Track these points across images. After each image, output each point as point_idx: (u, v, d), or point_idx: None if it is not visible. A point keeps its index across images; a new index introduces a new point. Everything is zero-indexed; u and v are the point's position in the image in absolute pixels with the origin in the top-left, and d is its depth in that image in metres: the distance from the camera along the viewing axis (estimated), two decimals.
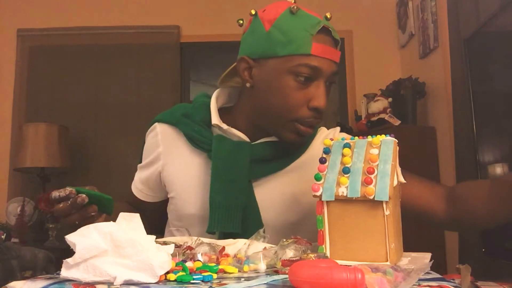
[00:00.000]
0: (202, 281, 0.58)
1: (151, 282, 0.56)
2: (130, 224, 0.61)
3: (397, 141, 0.72)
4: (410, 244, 0.82)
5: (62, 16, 3.50)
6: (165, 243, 0.73)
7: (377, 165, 0.67)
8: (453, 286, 0.54)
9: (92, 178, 3.27)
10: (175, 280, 0.58)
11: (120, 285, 0.55)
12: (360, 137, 0.74)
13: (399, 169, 0.75)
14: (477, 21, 2.02)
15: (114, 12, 3.52)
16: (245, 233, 0.87)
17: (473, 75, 1.87)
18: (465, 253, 2.13)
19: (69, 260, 0.56)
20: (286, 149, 0.99)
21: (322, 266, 0.51)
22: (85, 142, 3.38)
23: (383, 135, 0.72)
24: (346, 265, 0.51)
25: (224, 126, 0.97)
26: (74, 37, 3.47)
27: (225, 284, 0.55)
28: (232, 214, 0.92)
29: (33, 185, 3.20)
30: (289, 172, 1.00)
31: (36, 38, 3.48)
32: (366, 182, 0.65)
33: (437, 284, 0.55)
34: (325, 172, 0.70)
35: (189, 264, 0.64)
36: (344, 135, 1.04)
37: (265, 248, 0.71)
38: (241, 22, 0.99)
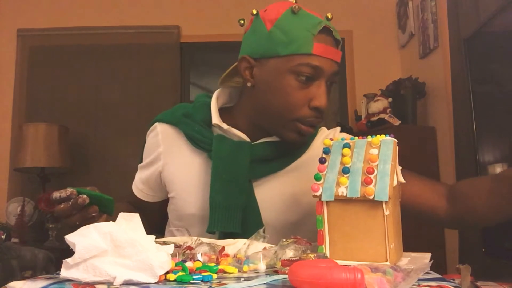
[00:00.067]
0: (202, 281, 0.58)
1: (151, 282, 0.56)
2: (130, 224, 0.61)
3: (397, 141, 0.72)
4: (410, 244, 0.82)
5: (62, 16, 3.50)
6: (165, 243, 0.73)
7: (377, 165, 0.67)
8: (453, 286, 0.54)
9: (92, 178, 3.27)
10: (174, 280, 0.58)
11: (120, 285, 0.55)
12: (360, 137, 0.74)
13: (399, 169, 0.75)
14: (477, 21, 2.02)
15: (114, 12, 3.52)
16: (245, 233, 0.87)
17: (473, 75, 1.87)
18: (465, 253, 2.13)
19: (69, 260, 0.56)
20: (286, 149, 0.99)
21: (321, 266, 0.51)
22: (85, 142, 3.38)
23: (383, 135, 0.72)
24: (345, 265, 0.51)
25: (225, 126, 0.97)
26: (74, 37, 3.47)
27: (225, 284, 0.55)
28: (232, 214, 0.92)
29: (33, 185, 3.20)
30: (289, 172, 1.00)
31: (36, 38, 3.48)
32: (366, 182, 0.65)
33: (436, 284, 0.55)
34: (324, 172, 0.70)
35: (189, 264, 0.64)
36: (345, 135, 1.04)
37: (265, 248, 0.71)
38: (242, 22, 0.99)
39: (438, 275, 0.62)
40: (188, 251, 0.70)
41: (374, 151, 0.69)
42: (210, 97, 1.04)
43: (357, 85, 3.41)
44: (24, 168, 3.07)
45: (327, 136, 1.07)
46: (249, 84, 0.95)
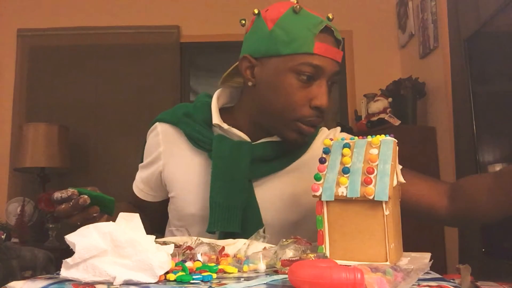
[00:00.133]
0: (202, 281, 0.58)
1: (150, 282, 0.56)
2: (129, 224, 0.61)
3: (397, 141, 0.72)
4: (410, 244, 0.82)
5: (62, 16, 3.50)
6: (165, 243, 0.73)
7: (377, 165, 0.67)
8: (453, 286, 0.54)
9: (92, 178, 3.27)
10: (174, 280, 0.58)
11: (120, 285, 0.55)
12: (360, 137, 0.74)
13: (399, 169, 0.75)
14: (477, 21, 2.02)
15: (114, 12, 3.52)
16: (245, 233, 0.87)
17: (473, 75, 1.87)
18: (465, 253, 2.13)
19: (68, 260, 0.56)
20: (286, 149, 0.99)
21: (321, 266, 0.51)
22: (85, 142, 3.38)
23: (383, 135, 0.72)
24: (345, 265, 0.51)
25: (225, 126, 0.97)
26: (74, 37, 3.47)
27: (225, 284, 0.55)
28: (232, 213, 0.92)
29: (33, 185, 3.20)
30: (290, 172, 1.00)
31: (36, 38, 3.48)
32: (366, 182, 0.65)
33: (436, 284, 0.55)
34: (324, 172, 0.70)
35: (188, 264, 0.64)
36: (345, 135, 1.04)
37: (264, 248, 0.71)
38: (244, 22, 0.99)
39: (438, 275, 0.62)
40: (188, 251, 0.70)
41: (374, 151, 0.69)
42: (211, 97, 1.04)
43: (357, 85, 3.41)
44: (24, 168, 3.07)
45: (328, 136, 1.07)
46: (250, 84, 0.95)
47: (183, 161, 1.01)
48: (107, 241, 0.57)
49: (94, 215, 0.78)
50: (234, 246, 0.76)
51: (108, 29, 3.47)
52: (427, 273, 0.62)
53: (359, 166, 0.68)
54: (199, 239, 0.76)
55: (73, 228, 0.64)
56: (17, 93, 3.43)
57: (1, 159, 3.35)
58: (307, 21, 0.89)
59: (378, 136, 0.72)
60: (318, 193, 0.68)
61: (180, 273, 0.59)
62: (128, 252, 0.57)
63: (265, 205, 0.97)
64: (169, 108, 1.08)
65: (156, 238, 0.65)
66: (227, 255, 0.71)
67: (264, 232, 0.79)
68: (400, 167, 0.82)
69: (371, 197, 0.64)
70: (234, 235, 0.88)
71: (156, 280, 0.57)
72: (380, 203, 0.65)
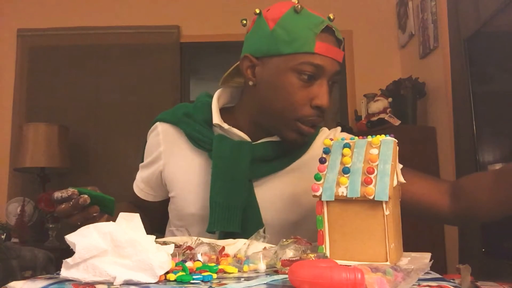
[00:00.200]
0: (202, 281, 0.58)
1: (151, 282, 0.56)
2: (130, 224, 0.61)
3: (397, 141, 0.72)
4: (410, 244, 0.82)
5: (62, 16, 3.50)
6: (165, 243, 0.73)
7: (377, 165, 0.67)
8: (453, 286, 0.54)
9: (92, 178, 3.27)
10: (175, 280, 0.58)
11: (120, 285, 0.55)
12: (360, 137, 0.74)
13: (399, 169, 0.75)
14: (477, 21, 2.02)
15: (114, 12, 3.52)
16: (245, 232, 0.87)
17: (473, 75, 1.87)
18: (465, 253, 2.13)
19: (69, 260, 0.56)
20: (287, 149, 0.99)
21: (322, 266, 0.51)
22: (85, 142, 3.38)
23: (383, 135, 0.72)
24: (346, 265, 0.51)
25: (225, 126, 0.97)
26: (74, 37, 3.47)
27: (225, 284, 0.55)
28: (232, 213, 0.92)
29: (33, 185, 3.21)
30: (290, 172, 1.00)
31: (36, 38, 3.48)
32: (366, 182, 0.65)
33: (437, 284, 0.55)
34: (325, 172, 0.70)
35: (189, 264, 0.64)
36: (345, 135, 1.04)
37: (265, 248, 0.71)
38: (245, 22, 0.99)
39: (438, 275, 0.62)
40: (188, 251, 0.70)
41: (374, 151, 0.69)
42: (211, 97, 1.04)
43: (357, 85, 3.41)
44: (24, 168, 3.07)
45: (328, 136, 1.07)
46: (250, 83, 0.95)
47: (183, 161, 1.01)
48: (107, 241, 0.57)
49: (94, 214, 0.78)
50: (234, 246, 0.76)
51: (108, 29, 3.47)
52: (427, 273, 0.62)
53: (359, 166, 0.68)
54: (199, 239, 0.76)
55: (73, 228, 0.64)
56: (17, 93, 3.43)
57: (1, 159, 3.35)
58: (308, 21, 0.89)
59: (378, 136, 0.72)
60: (318, 193, 0.68)
61: (180, 273, 0.59)
62: (128, 252, 0.57)
63: (265, 205, 0.97)
64: (169, 108, 1.08)
65: (156, 238, 0.65)
66: (227, 255, 0.71)
67: (264, 232, 0.79)
68: (401, 166, 0.82)
69: (371, 197, 0.64)
70: (234, 235, 0.88)
71: (156, 280, 0.57)
72: (380, 203, 0.65)
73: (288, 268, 0.54)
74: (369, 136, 0.73)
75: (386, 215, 0.65)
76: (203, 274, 0.59)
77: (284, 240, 0.71)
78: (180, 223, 1.02)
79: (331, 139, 0.75)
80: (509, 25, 1.66)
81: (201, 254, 0.68)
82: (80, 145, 3.35)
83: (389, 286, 0.50)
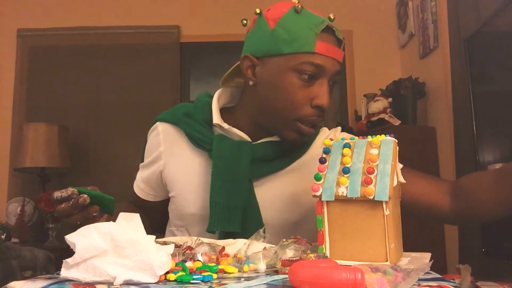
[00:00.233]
0: (202, 281, 0.58)
1: (151, 282, 0.56)
2: (130, 224, 0.61)
3: (397, 141, 0.72)
4: (410, 244, 0.82)
5: (62, 16, 3.50)
6: (165, 243, 0.73)
7: (377, 165, 0.67)
8: (453, 286, 0.54)
9: (92, 178, 3.27)
10: (175, 280, 0.58)
11: (120, 285, 0.55)
12: (360, 137, 0.74)
13: (399, 169, 0.75)
14: (477, 21, 2.02)
15: (114, 12, 3.52)
16: (245, 232, 0.87)
17: (473, 75, 1.87)
18: (465, 253, 2.13)
19: (69, 260, 0.56)
20: (287, 149, 0.99)
21: (322, 266, 0.51)
22: (85, 142, 3.38)
23: (383, 135, 0.72)
24: (346, 265, 0.51)
25: (225, 126, 0.97)
26: (74, 37, 3.47)
27: (225, 284, 0.55)
28: (232, 213, 0.92)
29: (33, 185, 3.21)
30: (290, 172, 1.01)
31: (36, 38, 3.48)
32: (366, 182, 0.65)
33: (437, 284, 0.55)
34: (325, 172, 0.70)
35: (189, 264, 0.64)
36: (345, 135, 1.04)
37: (265, 248, 0.71)
38: (245, 22, 0.99)
39: (438, 275, 0.62)
40: (188, 251, 0.70)
41: (374, 151, 0.69)
42: (211, 97, 1.04)
43: (357, 85, 3.41)
44: (24, 168, 3.07)
45: (328, 136, 1.07)
46: (251, 83, 0.95)
47: (183, 161, 1.02)
48: (107, 241, 0.57)
49: (94, 214, 0.78)
50: (234, 246, 0.76)
51: (108, 29, 3.47)
52: (427, 273, 0.62)
53: (359, 166, 0.68)
54: (199, 239, 0.77)
55: (73, 228, 0.64)
56: (17, 93, 3.43)
57: (1, 159, 3.35)
58: (309, 21, 0.89)
59: (378, 136, 0.72)
60: (318, 193, 0.68)
61: (180, 273, 0.59)
62: (128, 252, 0.57)
63: (265, 205, 0.97)
64: (169, 108, 1.08)
65: (156, 238, 0.65)
66: (227, 255, 0.71)
67: (264, 232, 0.79)
68: (401, 166, 0.82)
69: (371, 197, 0.64)
70: (234, 235, 0.88)
71: (156, 280, 0.57)
72: (380, 203, 0.65)
73: (288, 268, 0.54)
74: (369, 136, 0.73)
75: (386, 215, 0.65)
76: (203, 274, 0.59)
77: (284, 240, 0.71)
78: (180, 223, 1.02)
79: (331, 139, 0.75)
80: (509, 25, 1.66)
81: (201, 254, 0.68)
82: (80, 145, 3.35)
83: (389, 286, 0.50)
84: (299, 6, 0.90)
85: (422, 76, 2.85)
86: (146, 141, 1.09)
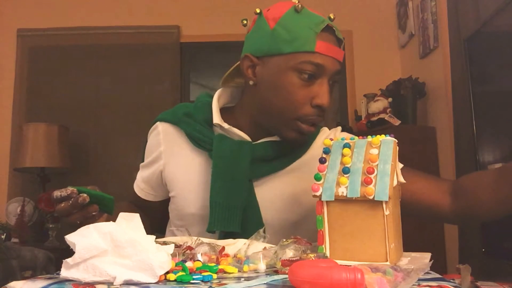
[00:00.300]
0: (202, 281, 0.58)
1: (151, 282, 0.56)
2: (130, 224, 0.61)
3: (397, 141, 0.72)
4: (410, 244, 0.82)
5: (62, 16, 3.50)
6: (165, 243, 0.73)
7: (377, 165, 0.67)
8: (453, 286, 0.54)
9: (92, 178, 3.27)
10: (175, 280, 0.58)
11: (120, 285, 0.55)
12: (360, 137, 0.74)
13: (399, 169, 0.75)
14: (477, 21, 2.02)
15: (114, 12, 3.52)
16: (245, 232, 0.87)
17: (473, 75, 1.87)
18: (465, 253, 2.13)
19: (69, 260, 0.56)
20: (287, 149, 0.99)
21: (322, 266, 0.51)
22: (85, 142, 3.38)
23: (383, 135, 0.72)
24: (345, 265, 0.51)
25: (225, 126, 0.97)
26: (74, 37, 3.47)
27: (225, 284, 0.55)
28: (232, 213, 0.92)
29: (33, 185, 3.21)
30: (290, 171, 1.01)
31: (36, 38, 3.48)
32: (366, 182, 0.65)
33: (437, 284, 0.55)
34: (325, 172, 0.70)
35: (189, 264, 0.64)
36: (346, 135, 1.04)
37: (265, 248, 0.71)
38: (245, 22, 0.99)
39: (438, 275, 0.62)
40: (188, 251, 0.70)
41: (374, 151, 0.69)
42: (212, 97, 1.04)
43: (357, 85, 3.41)
44: (24, 168, 3.07)
45: (328, 136, 1.07)
46: (251, 83, 0.95)
47: (183, 161, 1.02)
48: (107, 241, 0.57)
49: (94, 213, 0.78)
50: (234, 246, 0.76)
51: (108, 29, 3.47)
52: (427, 273, 0.62)
53: (359, 166, 0.68)
54: (199, 239, 0.77)
55: (73, 228, 0.64)
56: (17, 93, 3.43)
57: (1, 159, 3.35)
58: (309, 20, 0.89)
59: (378, 136, 0.72)
60: (318, 193, 0.68)
61: (180, 273, 0.59)
62: (128, 252, 0.57)
63: (265, 205, 0.97)
64: (169, 108, 1.08)
65: (156, 238, 0.65)
66: (227, 255, 0.71)
67: (264, 232, 0.79)
68: (401, 165, 0.82)
69: (371, 197, 0.64)
70: (234, 235, 0.88)
71: (156, 280, 0.57)
72: (380, 203, 0.65)
73: (288, 268, 0.54)
74: (369, 136, 0.73)
75: (386, 215, 0.65)
76: (203, 274, 0.59)
77: (284, 240, 0.71)
78: (180, 223, 1.02)
79: (331, 139, 0.75)
80: (509, 25, 1.66)
81: (201, 254, 0.68)
82: (80, 145, 3.35)
83: (389, 286, 0.50)
84: (299, 5, 0.91)
85: (422, 76, 2.85)
86: (146, 141, 1.09)
